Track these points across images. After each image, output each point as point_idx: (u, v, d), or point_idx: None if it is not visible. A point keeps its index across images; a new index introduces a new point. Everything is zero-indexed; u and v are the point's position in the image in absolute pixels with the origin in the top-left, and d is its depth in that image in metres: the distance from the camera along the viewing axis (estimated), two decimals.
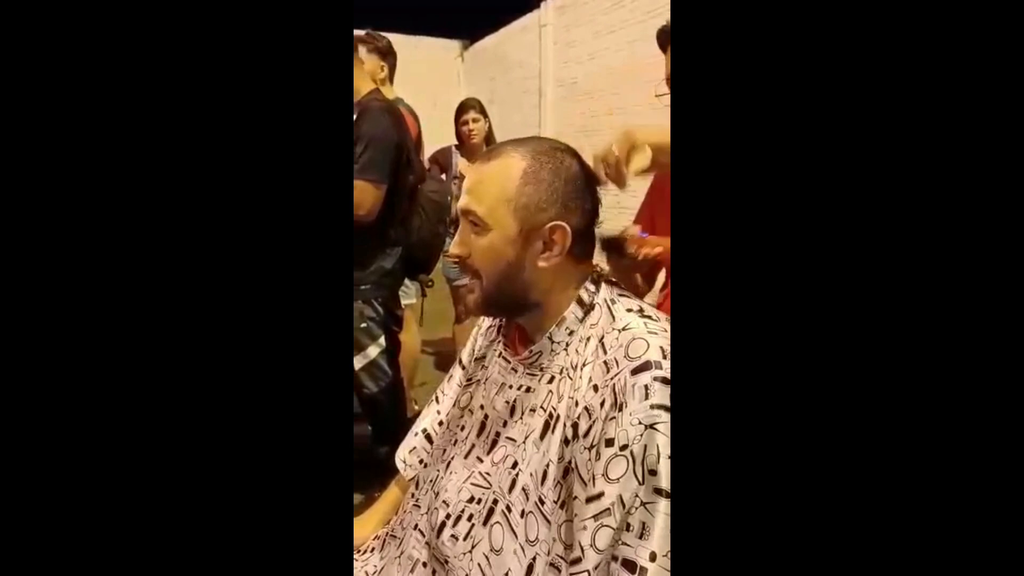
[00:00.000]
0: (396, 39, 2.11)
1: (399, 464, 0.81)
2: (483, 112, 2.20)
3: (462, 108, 2.22)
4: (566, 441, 0.54)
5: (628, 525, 0.47)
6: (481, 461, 0.63)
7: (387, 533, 0.75)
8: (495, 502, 0.58)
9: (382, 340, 1.57)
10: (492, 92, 5.23)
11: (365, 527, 0.79)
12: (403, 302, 2.18)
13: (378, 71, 1.88)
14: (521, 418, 0.60)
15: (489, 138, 2.22)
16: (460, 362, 0.81)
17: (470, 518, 0.59)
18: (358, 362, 1.55)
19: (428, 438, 0.81)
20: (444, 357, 2.83)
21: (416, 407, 2.15)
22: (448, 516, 0.61)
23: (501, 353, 0.68)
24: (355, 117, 1.44)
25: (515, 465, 0.58)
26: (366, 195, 1.42)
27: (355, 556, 0.75)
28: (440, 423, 0.79)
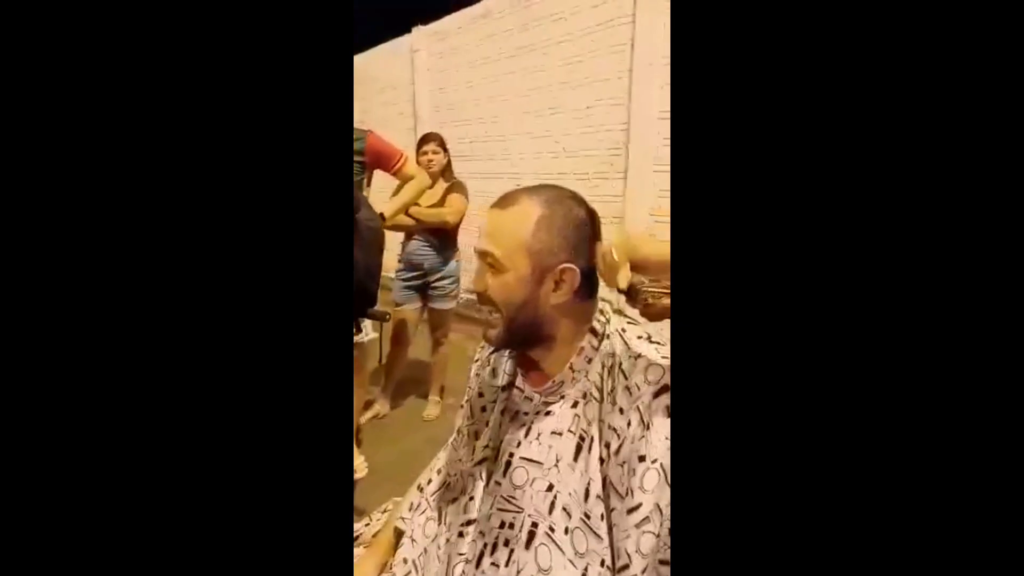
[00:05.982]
0: None
1: (399, 523, 0.80)
2: (443, 146, 2.26)
3: (424, 140, 2.26)
4: (601, 460, 0.59)
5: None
6: (500, 485, 0.66)
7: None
8: (535, 525, 0.60)
9: None
10: (363, 112, 5.11)
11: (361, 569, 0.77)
12: (361, 339, 2.02)
13: None
14: (539, 441, 0.65)
15: (445, 171, 2.27)
16: (462, 405, 0.83)
17: (507, 543, 0.62)
18: None
19: (420, 489, 0.82)
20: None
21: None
22: (485, 545, 0.63)
23: (514, 384, 0.72)
24: None
25: (551, 488, 0.61)
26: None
27: None
28: (438, 472, 0.82)
